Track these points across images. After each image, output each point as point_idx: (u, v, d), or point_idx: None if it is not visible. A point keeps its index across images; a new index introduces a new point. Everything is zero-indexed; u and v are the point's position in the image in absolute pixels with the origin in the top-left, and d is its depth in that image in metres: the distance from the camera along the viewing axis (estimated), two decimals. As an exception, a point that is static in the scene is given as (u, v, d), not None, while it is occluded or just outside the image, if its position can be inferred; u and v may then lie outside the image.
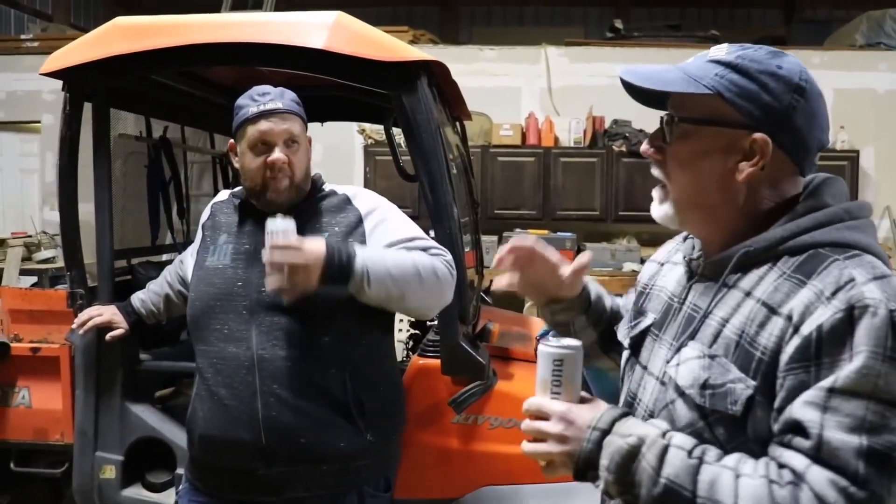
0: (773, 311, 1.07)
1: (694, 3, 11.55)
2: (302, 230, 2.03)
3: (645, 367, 1.28)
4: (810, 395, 1.00)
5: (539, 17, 11.95)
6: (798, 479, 0.98)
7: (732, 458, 1.05)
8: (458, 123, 3.57)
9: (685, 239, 1.38)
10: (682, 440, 1.08)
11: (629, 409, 1.22)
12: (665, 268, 1.39)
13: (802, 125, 1.13)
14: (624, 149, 6.94)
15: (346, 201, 2.11)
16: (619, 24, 8.43)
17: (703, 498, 1.01)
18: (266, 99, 2.03)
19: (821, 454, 0.97)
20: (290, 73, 2.81)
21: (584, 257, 1.40)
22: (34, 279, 6.54)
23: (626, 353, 1.36)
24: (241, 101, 2.07)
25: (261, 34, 2.44)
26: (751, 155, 1.13)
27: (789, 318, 1.04)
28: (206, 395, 2.06)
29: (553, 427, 1.12)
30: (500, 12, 12.10)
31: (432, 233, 2.40)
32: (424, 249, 2.04)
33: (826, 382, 0.99)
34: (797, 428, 1.00)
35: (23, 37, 8.83)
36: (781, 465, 1.01)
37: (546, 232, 6.94)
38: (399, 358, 3.22)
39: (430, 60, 2.46)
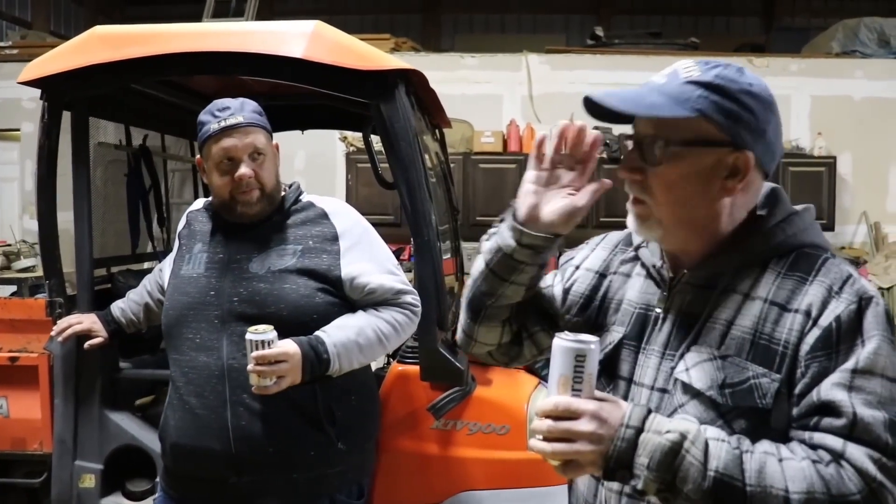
0: (783, 308, 1.15)
1: (675, 11, 11.65)
2: (271, 240, 2.06)
3: (629, 380, 1.29)
4: (836, 378, 1.09)
5: (521, 24, 12.01)
6: (837, 456, 1.05)
7: (766, 445, 1.09)
8: (437, 131, 3.59)
9: (618, 246, 1.41)
10: (716, 433, 1.09)
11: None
12: (614, 279, 1.38)
13: (773, 137, 1.21)
14: (605, 155, 6.98)
15: (323, 216, 2.12)
16: (600, 31, 8.49)
17: (753, 486, 1.04)
18: (226, 114, 2.02)
19: (855, 431, 1.06)
20: (271, 82, 2.83)
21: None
22: (14, 288, 6.49)
23: None
24: (202, 117, 2.06)
25: (240, 44, 2.45)
26: (735, 172, 1.18)
27: (807, 313, 1.13)
28: (178, 404, 2.07)
29: (585, 426, 1.06)
30: (483, 20, 12.15)
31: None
32: (392, 295, 2.10)
33: (848, 364, 1.09)
34: (827, 409, 1.08)
35: (2, 44, 8.77)
36: (814, 447, 1.08)
37: (528, 238, 6.97)
38: (380, 364, 3.23)
39: (407, 69, 2.48)
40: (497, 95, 7.80)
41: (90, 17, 10.96)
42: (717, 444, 1.07)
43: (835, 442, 1.06)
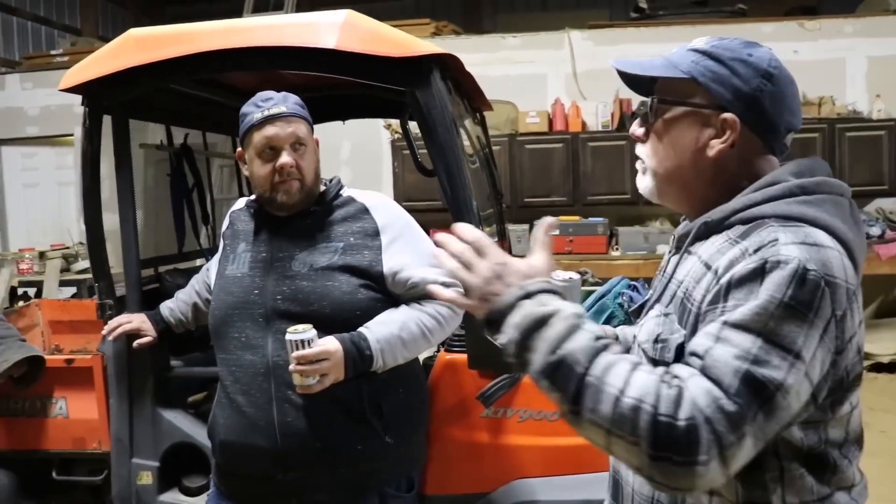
0: (707, 267, 1.19)
1: (720, -23, 11.33)
2: (313, 237, 2.05)
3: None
4: (708, 328, 1.10)
5: (563, 1, 11.82)
6: (681, 383, 1.05)
7: (634, 356, 1.13)
8: (478, 114, 3.54)
9: None
10: (593, 327, 1.12)
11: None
12: (666, 256, 1.47)
13: (769, 107, 1.25)
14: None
15: (364, 210, 2.12)
16: (643, 3, 8.29)
17: (594, 376, 1.05)
18: (270, 104, 2.04)
19: (704, 368, 1.06)
20: (308, 74, 2.81)
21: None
22: (73, 290, 6.66)
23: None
24: (245, 108, 2.08)
25: (272, 37, 2.44)
26: (721, 133, 1.25)
27: (716, 271, 1.15)
28: (226, 402, 2.09)
29: (483, 269, 1.16)
30: (524, -1, 12.00)
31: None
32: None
33: (724, 317, 1.09)
34: (692, 354, 1.10)
35: (53, 52, 8.99)
36: (674, 375, 1.09)
37: (577, 218, 6.88)
38: (428, 353, 3.21)
39: (442, 54, 2.44)
40: (541, 75, 7.70)
41: (134, 19, 11.14)
42: (584, 334, 1.09)
43: (685, 372, 1.07)
